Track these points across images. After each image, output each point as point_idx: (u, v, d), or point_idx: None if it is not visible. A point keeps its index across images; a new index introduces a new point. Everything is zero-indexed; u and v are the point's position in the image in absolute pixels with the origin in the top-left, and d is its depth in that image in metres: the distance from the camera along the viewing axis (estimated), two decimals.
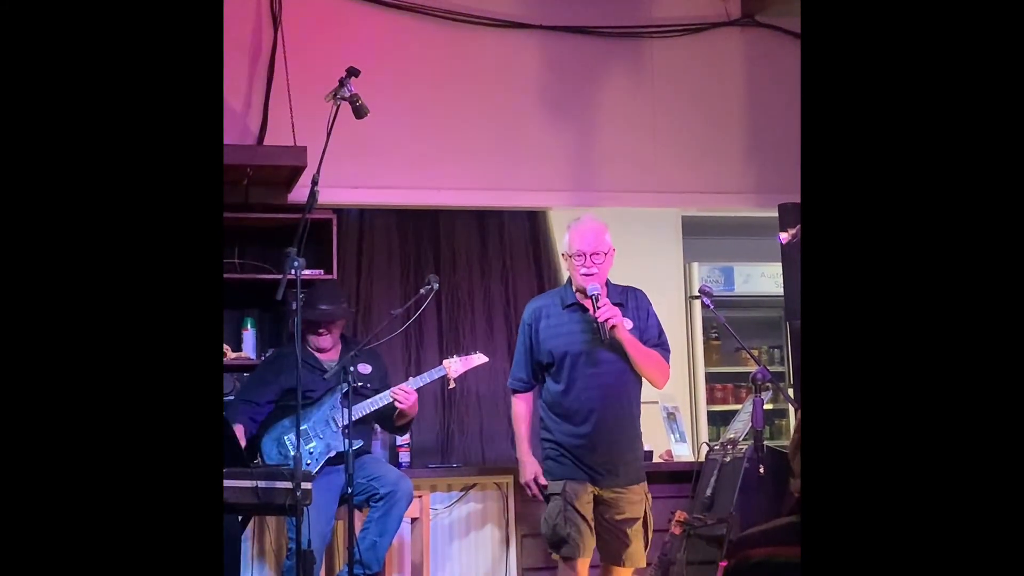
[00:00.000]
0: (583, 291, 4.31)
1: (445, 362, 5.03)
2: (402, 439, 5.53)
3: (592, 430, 4.28)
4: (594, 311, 4.21)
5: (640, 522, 4.34)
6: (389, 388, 4.92)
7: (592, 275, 4.27)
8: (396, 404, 4.89)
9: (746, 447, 4.91)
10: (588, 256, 4.29)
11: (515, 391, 4.50)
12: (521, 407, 4.47)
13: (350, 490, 4.34)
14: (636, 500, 4.35)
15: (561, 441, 4.32)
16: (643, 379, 4.42)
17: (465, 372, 5.07)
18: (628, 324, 4.33)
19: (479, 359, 5.10)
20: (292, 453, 4.65)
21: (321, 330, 4.99)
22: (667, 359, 4.44)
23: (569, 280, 4.44)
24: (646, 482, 4.43)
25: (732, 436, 5.19)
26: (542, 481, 4.36)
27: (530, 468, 4.40)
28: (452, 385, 5.12)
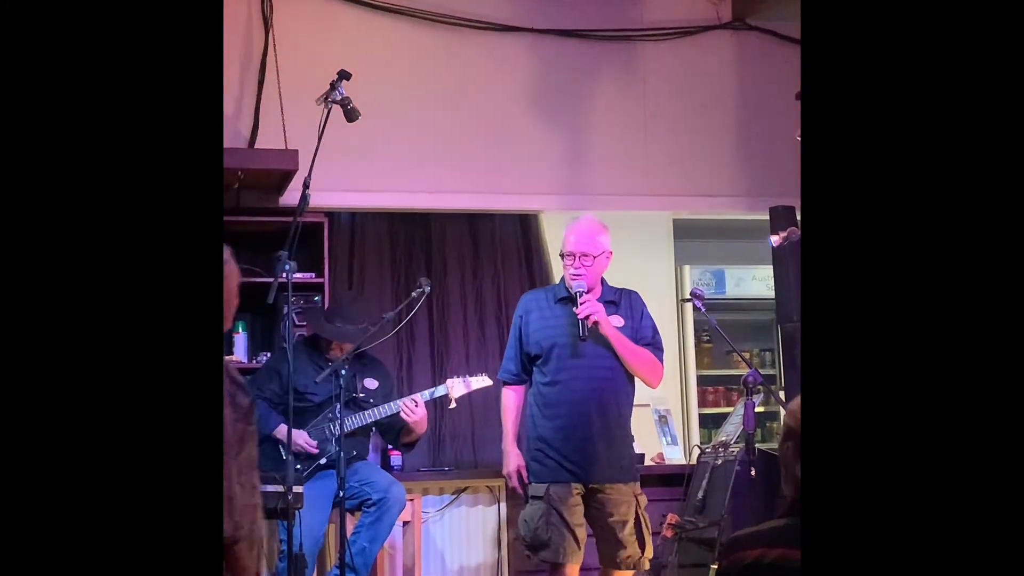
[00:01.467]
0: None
1: (448, 381, 5.03)
2: None
3: (575, 422, 4.27)
4: (577, 307, 4.22)
5: (632, 524, 4.30)
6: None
7: (579, 276, 4.28)
8: (404, 417, 4.87)
9: (737, 450, 4.91)
10: (577, 257, 4.31)
11: (505, 382, 4.51)
12: (510, 399, 4.48)
13: (342, 494, 4.33)
14: (623, 500, 4.31)
15: (545, 436, 4.31)
16: (636, 379, 4.42)
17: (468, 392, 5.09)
18: (619, 322, 4.35)
19: (483, 381, 5.10)
20: (285, 457, 4.65)
21: (333, 346, 4.97)
22: (660, 358, 4.44)
23: (564, 276, 4.46)
24: (638, 483, 4.41)
25: (724, 439, 5.20)
26: (524, 474, 4.35)
27: (514, 459, 4.39)
28: (453, 405, 5.12)
